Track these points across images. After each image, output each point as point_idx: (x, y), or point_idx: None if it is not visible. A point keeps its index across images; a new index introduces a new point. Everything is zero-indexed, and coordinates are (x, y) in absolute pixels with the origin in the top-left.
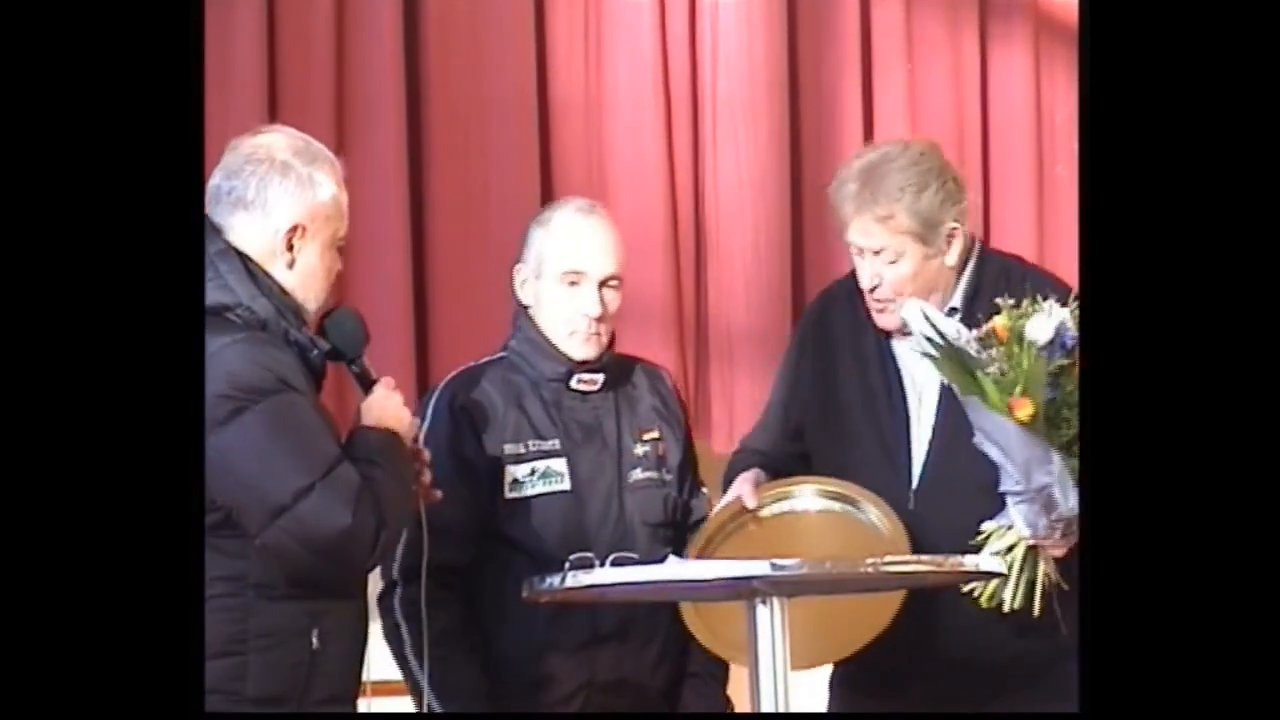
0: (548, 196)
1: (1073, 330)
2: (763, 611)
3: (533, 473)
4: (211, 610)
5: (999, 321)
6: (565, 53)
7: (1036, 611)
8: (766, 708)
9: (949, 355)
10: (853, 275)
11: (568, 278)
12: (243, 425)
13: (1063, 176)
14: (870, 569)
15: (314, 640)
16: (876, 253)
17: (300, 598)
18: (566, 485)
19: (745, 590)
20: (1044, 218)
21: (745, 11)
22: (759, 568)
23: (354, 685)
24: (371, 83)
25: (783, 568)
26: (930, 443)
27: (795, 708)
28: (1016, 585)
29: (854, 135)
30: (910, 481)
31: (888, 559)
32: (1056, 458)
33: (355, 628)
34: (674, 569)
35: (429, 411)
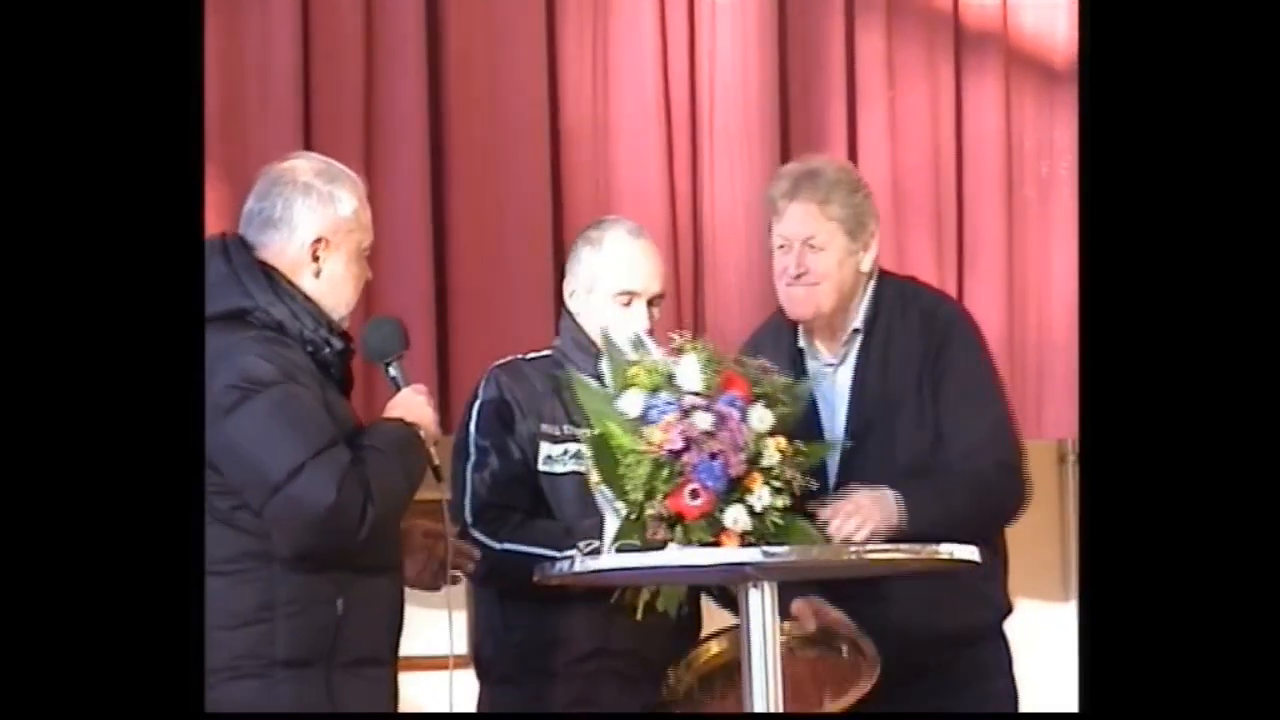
0: (558, 214)
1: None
2: (754, 594)
3: (565, 452)
4: (241, 583)
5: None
6: (575, 84)
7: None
8: (758, 682)
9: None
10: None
11: (621, 298)
12: (246, 411)
13: (1030, 197)
14: (853, 556)
15: (339, 607)
16: (805, 240)
17: (323, 570)
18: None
19: (738, 575)
20: (1013, 235)
21: (740, 45)
22: (751, 554)
23: (389, 650)
24: (398, 110)
25: (773, 554)
26: (843, 449)
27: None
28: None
29: (839, 156)
30: (828, 486)
31: (869, 546)
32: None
33: (386, 598)
34: (674, 555)
35: (481, 385)
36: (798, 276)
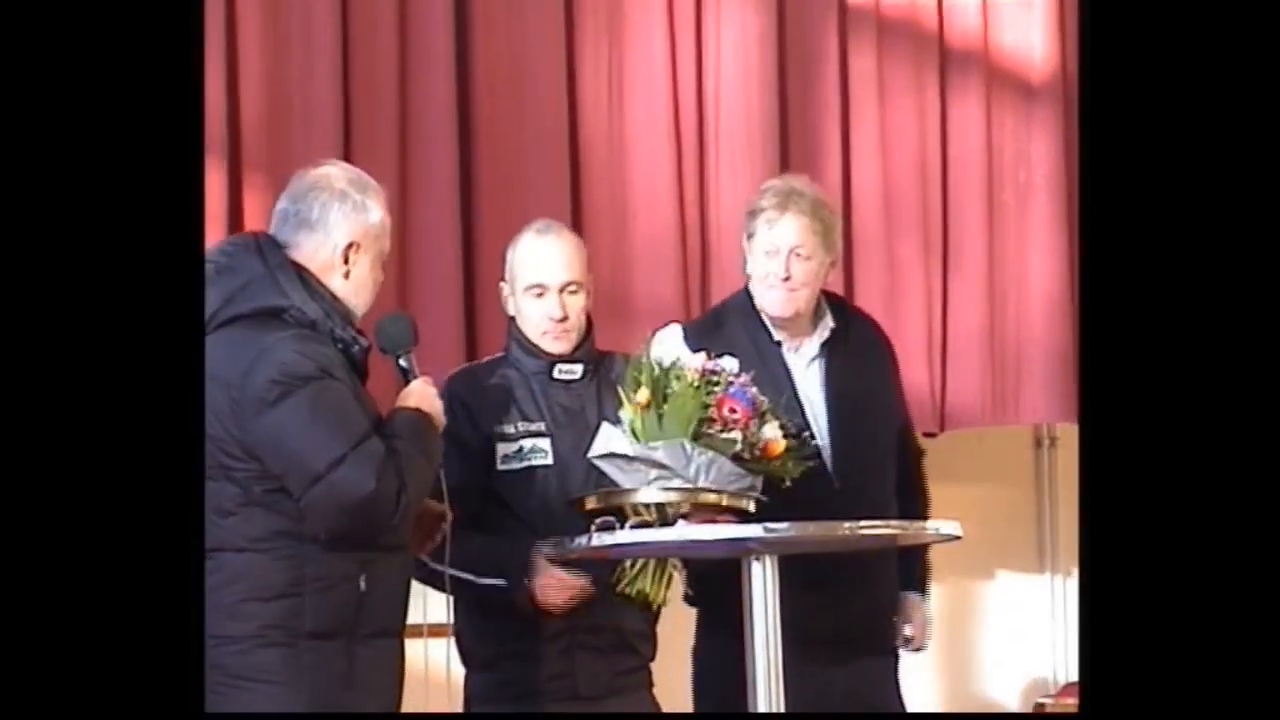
0: (577, 217)
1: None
2: (757, 567)
3: (519, 449)
4: (273, 559)
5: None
6: (592, 98)
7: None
8: (760, 653)
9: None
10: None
11: (533, 290)
12: (288, 406)
13: (1009, 203)
14: (847, 531)
15: (362, 584)
16: (793, 249)
17: (349, 549)
18: (549, 460)
19: (742, 549)
20: (993, 238)
21: (743, 64)
22: (754, 530)
23: (400, 622)
24: (430, 122)
25: (774, 530)
26: (830, 434)
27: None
28: (656, 580)
29: (834, 167)
30: (828, 466)
31: (863, 523)
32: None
33: (401, 574)
34: (682, 531)
35: None
36: (784, 279)
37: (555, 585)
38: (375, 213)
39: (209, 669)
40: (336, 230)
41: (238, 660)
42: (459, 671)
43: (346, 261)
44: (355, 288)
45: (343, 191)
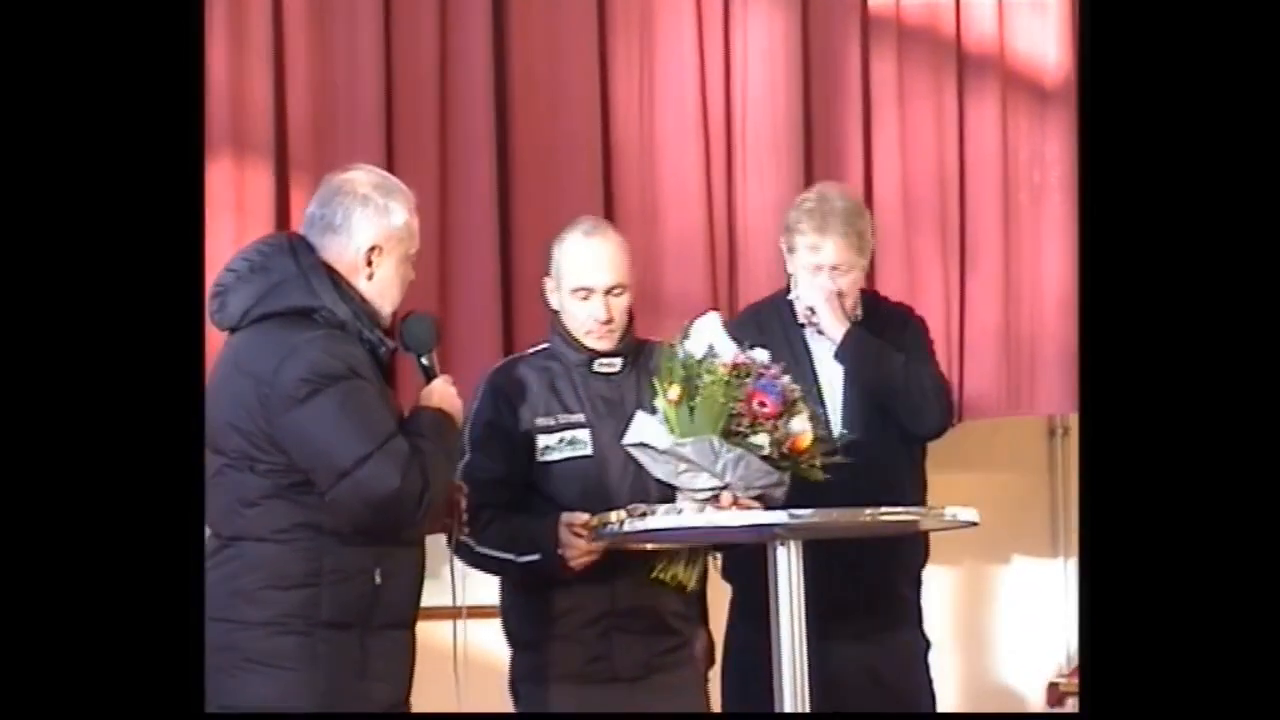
0: (609, 218)
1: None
2: (782, 551)
3: (560, 441)
4: (293, 550)
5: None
6: (624, 104)
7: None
8: (785, 638)
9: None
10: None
11: (579, 293)
12: (317, 403)
13: (1024, 203)
14: (868, 517)
15: (377, 577)
16: (835, 267)
17: (366, 543)
18: (589, 451)
19: (768, 534)
20: (1009, 236)
21: (769, 69)
22: (779, 516)
23: (411, 614)
24: (469, 126)
25: (798, 516)
26: (842, 409)
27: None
28: (690, 566)
29: (856, 168)
30: (833, 434)
31: (883, 510)
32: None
33: (414, 569)
34: (711, 517)
35: (478, 392)
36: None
37: (574, 550)
38: (399, 216)
39: (225, 651)
40: (359, 233)
41: (254, 644)
42: (464, 655)
43: (370, 264)
44: (380, 289)
45: (365, 196)
